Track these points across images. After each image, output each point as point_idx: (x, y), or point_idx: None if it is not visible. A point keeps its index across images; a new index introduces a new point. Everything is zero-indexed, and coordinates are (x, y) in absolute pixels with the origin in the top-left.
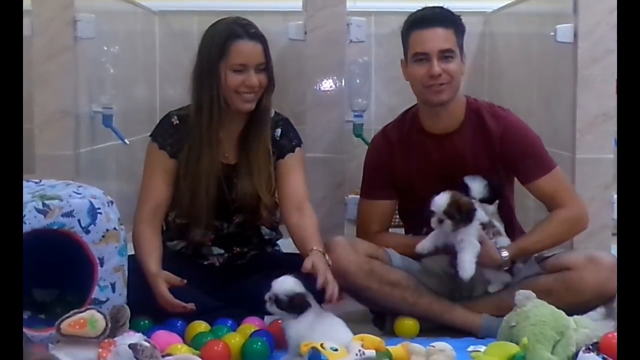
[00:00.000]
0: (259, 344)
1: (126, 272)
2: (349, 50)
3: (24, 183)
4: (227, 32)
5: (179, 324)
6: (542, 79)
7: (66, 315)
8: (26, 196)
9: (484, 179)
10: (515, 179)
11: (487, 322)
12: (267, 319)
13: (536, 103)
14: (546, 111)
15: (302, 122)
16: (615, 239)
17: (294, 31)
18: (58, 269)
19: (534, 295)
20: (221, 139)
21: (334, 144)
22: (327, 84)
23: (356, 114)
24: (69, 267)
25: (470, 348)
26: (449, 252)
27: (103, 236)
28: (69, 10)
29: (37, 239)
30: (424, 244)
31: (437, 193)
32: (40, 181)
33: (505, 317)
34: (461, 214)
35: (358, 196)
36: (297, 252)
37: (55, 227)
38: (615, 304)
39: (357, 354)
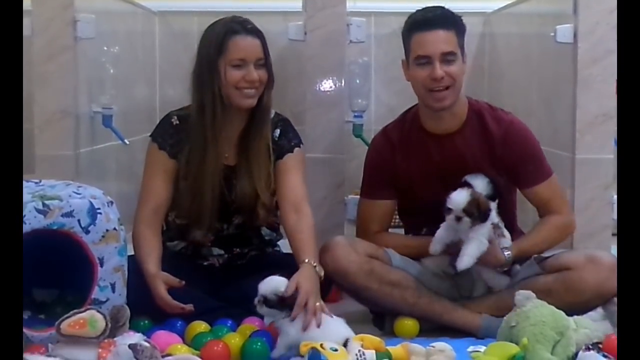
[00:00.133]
0: (259, 344)
1: (126, 273)
2: (349, 51)
3: (24, 183)
4: (225, 29)
5: (178, 324)
6: (542, 79)
7: (66, 315)
8: (26, 196)
9: (486, 176)
10: None
11: (487, 322)
12: (267, 319)
13: (536, 103)
14: (546, 111)
15: (302, 123)
16: (615, 239)
17: (293, 31)
18: (58, 269)
19: (534, 295)
20: (221, 141)
21: (334, 144)
22: (327, 84)
23: (356, 114)
24: (68, 267)
25: (470, 348)
26: (451, 252)
27: (103, 236)
28: (69, 11)
29: (37, 239)
30: (436, 246)
31: (438, 193)
32: (40, 181)
33: (505, 318)
34: (479, 212)
35: (358, 196)
36: None
37: (55, 227)
38: (613, 305)
39: (357, 354)
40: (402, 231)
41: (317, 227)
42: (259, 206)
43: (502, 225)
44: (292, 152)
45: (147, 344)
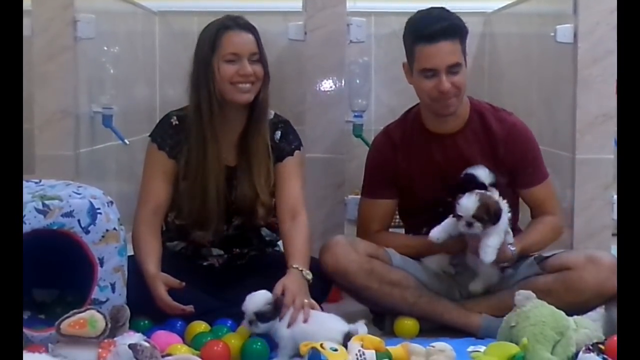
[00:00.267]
0: (259, 344)
1: (126, 273)
2: (349, 51)
3: (24, 183)
4: (218, 26)
5: (178, 324)
6: (542, 80)
7: (66, 315)
8: (26, 196)
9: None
10: None
11: (486, 322)
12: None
13: (536, 103)
14: (546, 111)
15: (302, 123)
16: (615, 239)
17: (293, 31)
18: (58, 269)
19: (534, 295)
20: (220, 141)
21: (334, 144)
22: (327, 84)
23: (356, 114)
24: (68, 267)
25: (470, 348)
26: (451, 252)
27: (103, 236)
28: (69, 11)
29: (37, 239)
30: (438, 233)
31: (438, 193)
32: (40, 181)
33: (505, 318)
34: (489, 216)
35: (358, 196)
36: None
37: (55, 227)
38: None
39: (357, 354)
40: (402, 231)
41: (317, 227)
42: (258, 205)
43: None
44: (292, 155)
45: (147, 344)
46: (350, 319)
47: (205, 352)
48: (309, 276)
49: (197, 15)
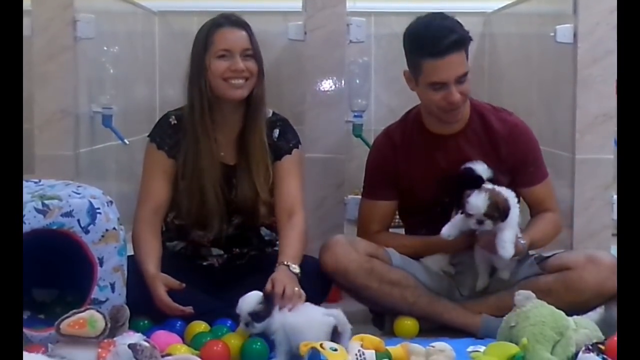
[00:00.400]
0: (258, 344)
1: (125, 272)
2: (349, 51)
3: (24, 183)
4: (210, 24)
5: (178, 324)
6: (542, 80)
7: (66, 315)
8: (26, 196)
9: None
10: None
11: (486, 322)
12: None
13: (536, 103)
14: (546, 111)
15: (301, 123)
16: (615, 239)
17: (293, 31)
18: (57, 269)
19: (534, 295)
20: (219, 140)
21: (334, 144)
22: (327, 84)
23: (356, 114)
24: (68, 267)
25: (470, 348)
26: (456, 249)
27: (102, 236)
28: (68, 11)
29: (36, 239)
30: (450, 230)
31: (439, 193)
32: (40, 181)
33: (504, 318)
34: (499, 212)
35: (358, 196)
36: None
37: (54, 227)
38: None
39: (356, 354)
40: (402, 231)
41: (317, 227)
42: (259, 204)
43: None
44: (290, 153)
45: (146, 344)
46: (350, 319)
47: (205, 352)
48: (296, 270)
49: (197, 15)
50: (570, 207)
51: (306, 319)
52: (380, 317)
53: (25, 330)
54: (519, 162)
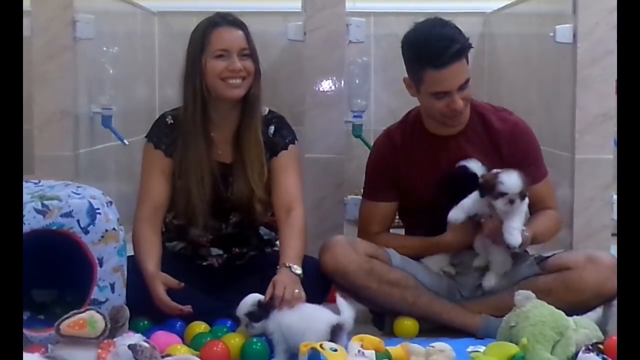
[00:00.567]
0: (259, 344)
1: (125, 273)
2: (348, 51)
3: (23, 184)
4: (206, 23)
5: (178, 325)
6: (542, 80)
7: (65, 315)
8: (25, 197)
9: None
10: None
11: (486, 322)
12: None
13: (536, 103)
14: (546, 111)
15: (301, 123)
16: (615, 239)
17: (293, 32)
18: (57, 270)
19: (534, 295)
20: (216, 139)
21: (333, 144)
22: (327, 85)
23: (355, 114)
24: (68, 267)
25: (470, 348)
26: (448, 252)
27: (102, 236)
28: (68, 11)
29: (36, 239)
30: (457, 214)
31: (439, 194)
32: (39, 182)
33: (504, 318)
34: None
35: (358, 197)
36: None
37: (54, 228)
38: (612, 305)
39: (356, 355)
40: (402, 231)
41: (317, 227)
42: (255, 202)
43: None
44: (286, 149)
45: (146, 345)
46: None
47: (205, 353)
48: (298, 271)
49: (197, 15)
50: (570, 207)
51: (303, 319)
52: (380, 318)
53: (25, 331)
54: (520, 161)
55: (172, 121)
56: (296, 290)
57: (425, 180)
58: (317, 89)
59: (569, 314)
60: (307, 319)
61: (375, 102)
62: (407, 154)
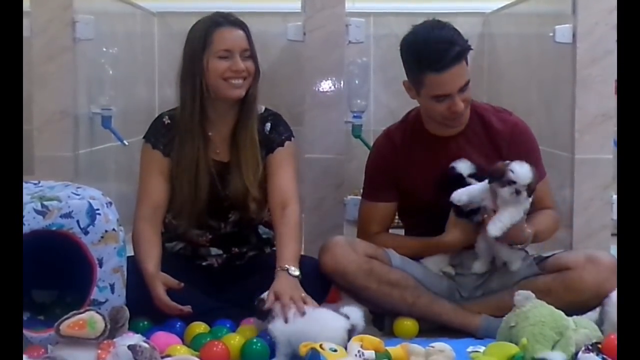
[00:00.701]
0: (259, 344)
1: (125, 273)
2: (348, 51)
3: (23, 184)
4: (208, 22)
5: (178, 325)
6: (541, 80)
7: (65, 316)
8: (25, 197)
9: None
10: None
11: (486, 322)
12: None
13: (535, 103)
14: (545, 111)
15: (301, 123)
16: (615, 239)
17: (292, 32)
18: (57, 270)
19: (533, 295)
20: (212, 137)
21: (333, 144)
22: (326, 85)
23: (355, 114)
24: (67, 268)
25: (470, 348)
26: (448, 252)
27: (102, 237)
28: (68, 12)
29: (36, 240)
30: (460, 196)
31: (439, 194)
32: (39, 182)
33: (504, 318)
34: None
35: (357, 197)
36: None
37: (54, 228)
38: (607, 305)
39: (356, 355)
40: (402, 231)
41: (317, 227)
42: (249, 200)
43: None
44: (282, 145)
45: (146, 345)
46: None
47: (205, 353)
48: (296, 273)
49: (196, 15)
50: (569, 207)
51: (318, 325)
52: (380, 318)
53: (25, 332)
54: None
55: (169, 121)
56: (302, 294)
57: (424, 181)
58: (316, 89)
59: (569, 314)
60: (322, 326)
61: (375, 103)
62: (407, 154)
